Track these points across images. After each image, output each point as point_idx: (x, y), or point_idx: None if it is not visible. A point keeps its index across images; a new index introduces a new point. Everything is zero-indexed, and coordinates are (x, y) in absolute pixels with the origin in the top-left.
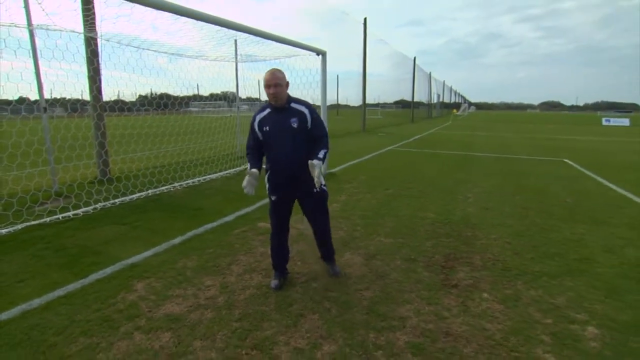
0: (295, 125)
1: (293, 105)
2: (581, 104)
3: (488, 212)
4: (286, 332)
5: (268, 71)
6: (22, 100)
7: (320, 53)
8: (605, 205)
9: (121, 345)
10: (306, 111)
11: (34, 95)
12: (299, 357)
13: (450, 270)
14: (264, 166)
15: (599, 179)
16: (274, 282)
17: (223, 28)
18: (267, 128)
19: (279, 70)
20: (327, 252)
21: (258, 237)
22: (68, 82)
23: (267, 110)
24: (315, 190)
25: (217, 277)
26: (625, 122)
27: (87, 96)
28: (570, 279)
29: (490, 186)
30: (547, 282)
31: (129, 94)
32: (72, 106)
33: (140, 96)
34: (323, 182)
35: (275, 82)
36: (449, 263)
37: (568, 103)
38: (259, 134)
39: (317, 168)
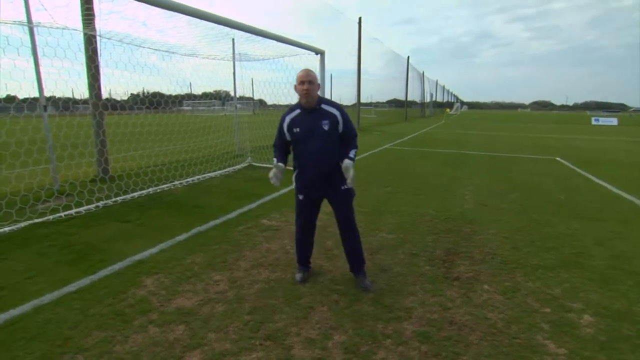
0: (326, 127)
1: (324, 106)
2: (571, 103)
3: (485, 208)
4: (297, 324)
5: (302, 69)
6: (10, 99)
7: (319, 52)
8: (596, 201)
9: (136, 337)
10: (337, 113)
11: (23, 94)
12: (311, 346)
13: (451, 264)
14: (290, 167)
15: (590, 176)
16: (298, 275)
17: (219, 25)
18: (298, 130)
19: (312, 70)
20: (357, 260)
21: (262, 233)
22: (60, 79)
23: (297, 111)
24: (343, 187)
25: (225, 272)
26: (613, 121)
27: (77, 94)
28: (566, 271)
29: (485, 183)
30: (544, 274)
31: (121, 93)
32: (64, 105)
33: (132, 95)
34: (353, 183)
35: (309, 79)
36: (450, 257)
37: (558, 102)
38: (288, 135)
39: (351, 168)
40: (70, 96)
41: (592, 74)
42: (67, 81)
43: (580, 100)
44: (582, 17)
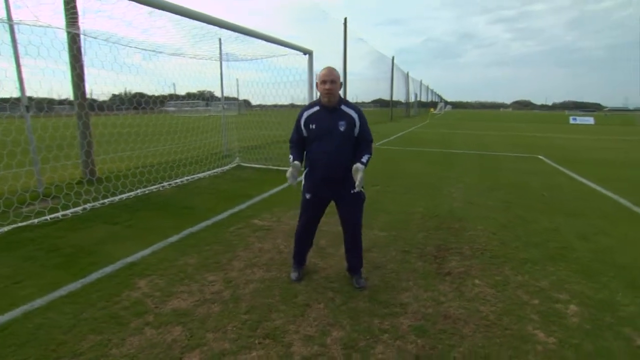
0: (342, 128)
1: (343, 107)
2: (550, 103)
3: (472, 206)
4: (295, 321)
5: (325, 68)
6: None
7: (307, 52)
8: (578, 198)
9: (133, 340)
10: (356, 116)
11: (4, 94)
12: (310, 343)
13: (443, 259)
14: (302, 169)
15: (571, 173)
16: (293, 275)
17: (205, 25)
18: (314, 126)
19: (335, 69)
20: (356, 261)
21: (254, 233)
22: (44, 79)
23: (316, 108)
24: (353, 191)
25: (219, 272)
26: (590, 120)
27: (62, 95)
28: (552, 264)
29: (471, 182)
30: (531, 268)
31: (102, 93)
32: (48, 105)
33: (113, 95)
34: (362, 188)
35: (332, 78)
36: (441, 253)
37: (538, 102)
38: (304, 131)
39: (360, 172)
40: (54, 97)
41: (570, 75)
42: (52, 81)
43: (558, 100)
44: (561, 19)
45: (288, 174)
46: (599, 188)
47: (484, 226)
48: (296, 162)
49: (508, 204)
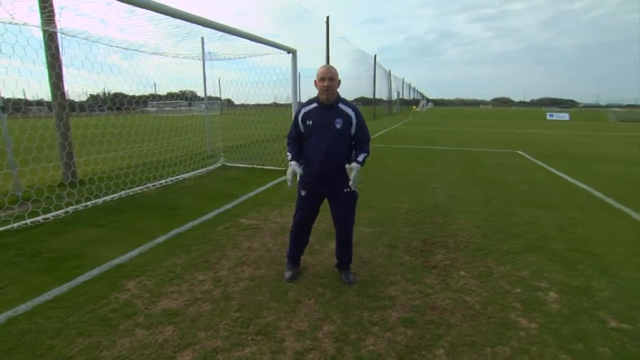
0: (339, 126)
1: (341, 105)
2: (528, 100)
3: (455, 200)
4: (286, 317)
5: (323, 65)
6: None
7: (291, 51)
8: (555, 191)
9: (124, 342)
10: (352, 114)
11: None
12: (302, 337)
13: (429, 253)
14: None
15: (548, 167)
16: (288, 274)
17: (187, 23)
18: (310, 122)
19: (333, 67)
20: (345, 257)
21: (242, 232)
22: (20, 79)
23: (314, 105)
24: (346, 190)
25: (209, 272)
26: (565, 116)
27: (40, 95)
28: (532, 254)
29: (454, 177)
30: (513, 259)
31: (83, 92)
32: (15, 106)
33: (91, 95)
34: (357, 186)
35: (330, 75)
36: (427, 247)
37: (517, 99)
38: (301, 127)
39: (354, 171)
40: (30, 97)
41: (547, 72)
42: (29, 81)
43: (536, 96)
44: (538, 18)
45: (287, 175)
46: (574, 181)
47: (467, 220)
48: (294, 161)
49: (489, 198)
